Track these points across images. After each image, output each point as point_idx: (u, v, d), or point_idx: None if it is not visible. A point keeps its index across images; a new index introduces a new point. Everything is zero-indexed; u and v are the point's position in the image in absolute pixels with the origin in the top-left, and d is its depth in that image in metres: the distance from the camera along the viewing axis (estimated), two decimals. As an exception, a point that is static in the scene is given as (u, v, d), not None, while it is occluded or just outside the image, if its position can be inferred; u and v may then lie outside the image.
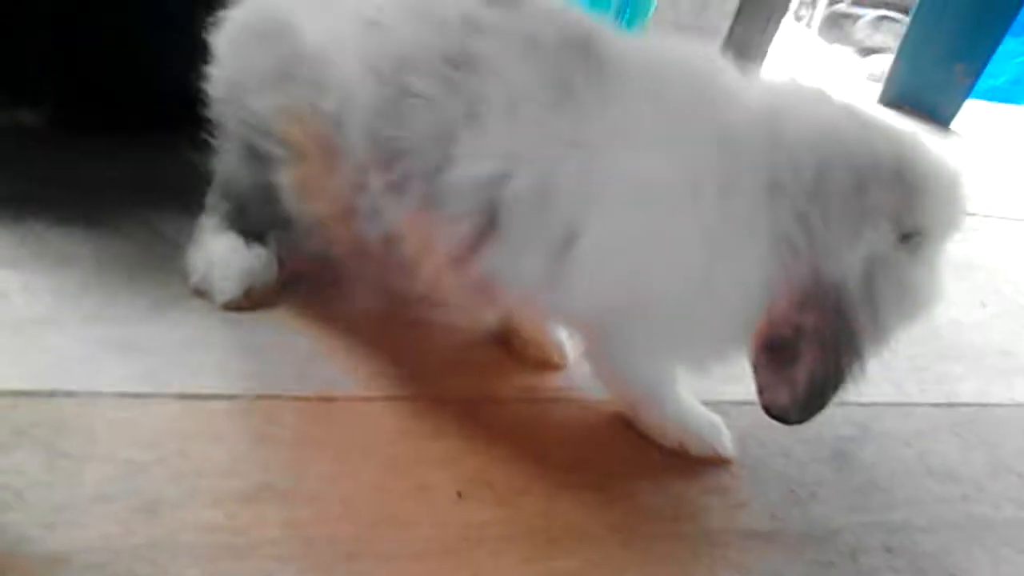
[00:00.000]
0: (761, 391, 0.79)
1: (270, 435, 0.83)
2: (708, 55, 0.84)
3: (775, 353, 0.77)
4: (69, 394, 0.81)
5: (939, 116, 2.13)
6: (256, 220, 0.96)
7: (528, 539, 0.79)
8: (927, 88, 2.13)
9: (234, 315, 0.96)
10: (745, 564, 0.83)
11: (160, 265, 0.99)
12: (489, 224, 0.80)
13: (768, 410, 0.79)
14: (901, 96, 2.15)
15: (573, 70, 0.80)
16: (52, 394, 0.81)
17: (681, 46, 0.84)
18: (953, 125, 2.13)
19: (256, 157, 0.90)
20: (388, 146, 0.81)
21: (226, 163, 0.93)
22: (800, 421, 0.79)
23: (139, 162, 1.16)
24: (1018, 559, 0.92)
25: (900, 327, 0.80)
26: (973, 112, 2.23)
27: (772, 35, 2.04)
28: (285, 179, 0.89)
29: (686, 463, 0.93)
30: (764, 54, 2.06)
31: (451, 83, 0.80)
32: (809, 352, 0.75)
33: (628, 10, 1.94)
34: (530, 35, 0.81)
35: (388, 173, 0.82)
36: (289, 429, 0.84)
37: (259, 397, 0.86)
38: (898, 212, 0.77)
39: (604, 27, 0.85)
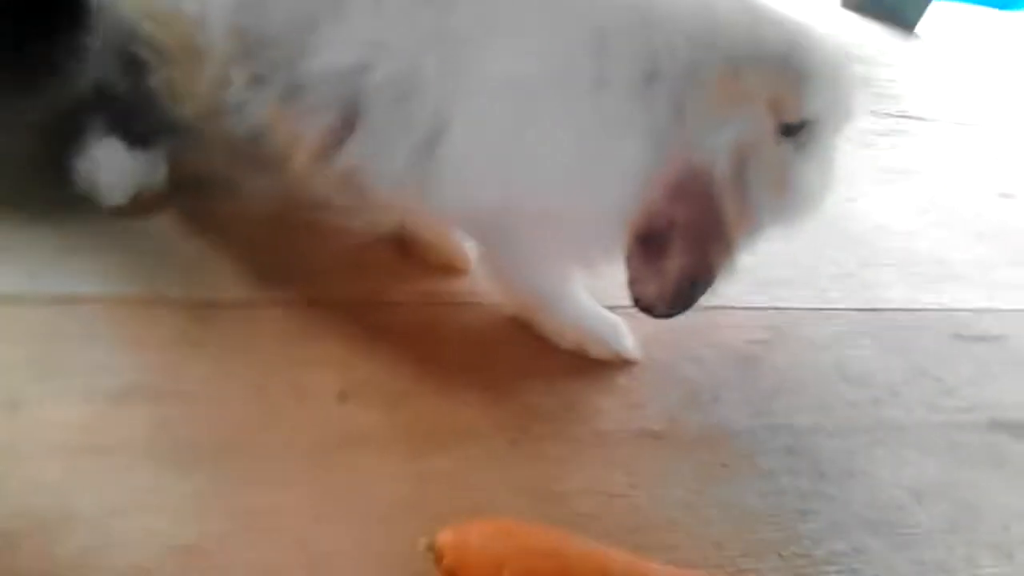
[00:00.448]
0: (631, 283, 0.77)
1: (147, 337, 0.81)
2: None
3: (646, 245, 0.75)
4: (-64, 295, 0.79)
5: (904, 19, 2.09)
6: (139, 125, 0.92)
7: (411, 440, 0.77)
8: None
9: (121, 221, 0.93)
10: (633, 463, 0.81)
11: (50, 169, 0.96)
12: (351, 117, 0.77)
13: (637, 302, 0.77)
14: (864, 1, 2.10)
15: None
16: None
17: None
18: (918, 29, 2.09)
19: (129, 62, 0.87)
20: (249, 37, 0.78)
21: (101, 69, 0.90)
22: (668, 315, 0.77)
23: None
24: (922, 461, 0.91)
25: (777, 223, 0.78)
26: (941, 15, 2.18)
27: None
28: (156, 82, 0.86)
29: (585, 365, 0.91)
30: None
31: None
32: (679, 245, 0.73)
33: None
34: None
35: (250, 65, 0.79)
36: (168, 331, 0.82)
37: (139, 301, 0.84)
38: (778, 100, 0.74)
39: None
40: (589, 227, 0.79)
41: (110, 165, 0.93)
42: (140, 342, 0.80)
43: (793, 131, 0.77)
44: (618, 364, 0.92)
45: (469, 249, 0.99)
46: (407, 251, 0.98)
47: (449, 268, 0.98)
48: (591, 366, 0.91)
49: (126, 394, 0.74)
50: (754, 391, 0.95)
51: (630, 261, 0.77)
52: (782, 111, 0.76)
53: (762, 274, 1.14)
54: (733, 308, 1.06)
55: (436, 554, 0.62)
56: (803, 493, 0.84)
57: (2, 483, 0.65)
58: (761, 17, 0.77)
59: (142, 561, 0.61)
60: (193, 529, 0.65)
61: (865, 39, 2.01)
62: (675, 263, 0.74)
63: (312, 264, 0.94)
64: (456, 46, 0.75)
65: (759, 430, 0.90)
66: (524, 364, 0.89)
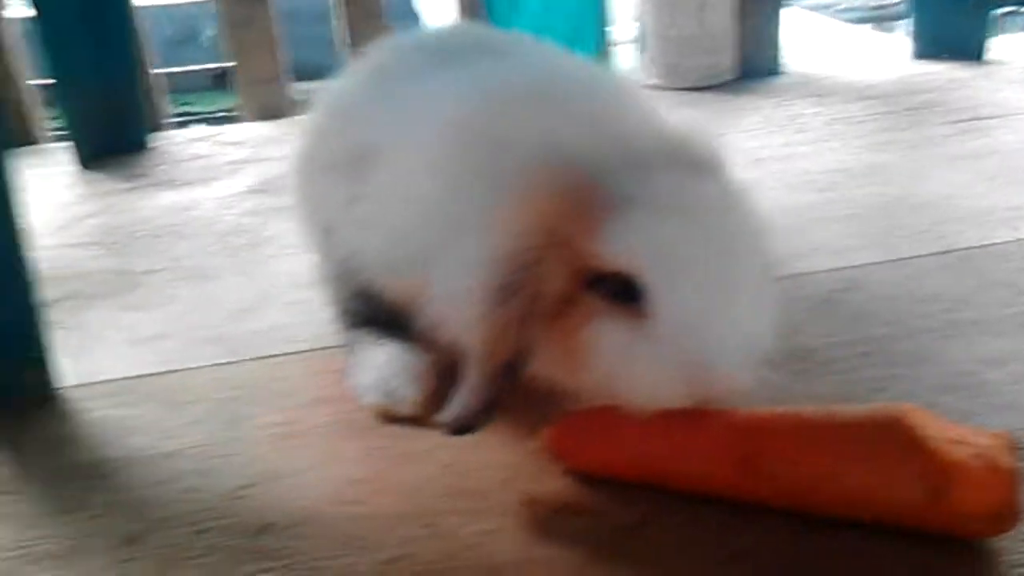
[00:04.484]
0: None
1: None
2: None
3: None
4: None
5: (970, 53, 2.21)
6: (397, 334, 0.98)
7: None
8: (950, 31, 2.22)
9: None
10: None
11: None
12: None
13: None
14: (929, 46, 2.24)
15: None
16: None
17: None
18: (986, 57, 2.21)
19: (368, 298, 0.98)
20: None
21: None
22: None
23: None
24: (993, 341, 1.02)
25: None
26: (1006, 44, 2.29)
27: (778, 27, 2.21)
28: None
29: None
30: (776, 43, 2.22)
31: None
32: None
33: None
34: None
35: None
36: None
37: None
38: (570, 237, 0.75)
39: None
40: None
41: (395, 369, 0.96)
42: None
43: (599, 284, 0.73)
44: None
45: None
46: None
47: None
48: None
49: None
50: (830, 320, 1.09)
51: None
52: (575, 254, 0.72)
53: (836, 244, 1.28)
54: (810, 273, 1.20)
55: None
56: (876, 378, 0.97)
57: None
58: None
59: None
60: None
61: (937, 72, 2.16)
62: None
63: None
64: None
65: (834, 346, 1.03)
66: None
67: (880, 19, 6.46)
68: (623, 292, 0.71)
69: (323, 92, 1.06)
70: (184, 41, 7.99)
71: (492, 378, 0.73)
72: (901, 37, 2.64)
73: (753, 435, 0.76)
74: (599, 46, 1.94)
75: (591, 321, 0.72)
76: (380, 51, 1.04)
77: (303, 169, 1.04)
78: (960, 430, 0.74)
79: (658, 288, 0.70)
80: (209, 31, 7.81)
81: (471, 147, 0.81)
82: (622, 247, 0.70)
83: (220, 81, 5.33)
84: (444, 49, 0.97)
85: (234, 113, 2.25)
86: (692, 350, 0.70)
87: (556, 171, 0.73)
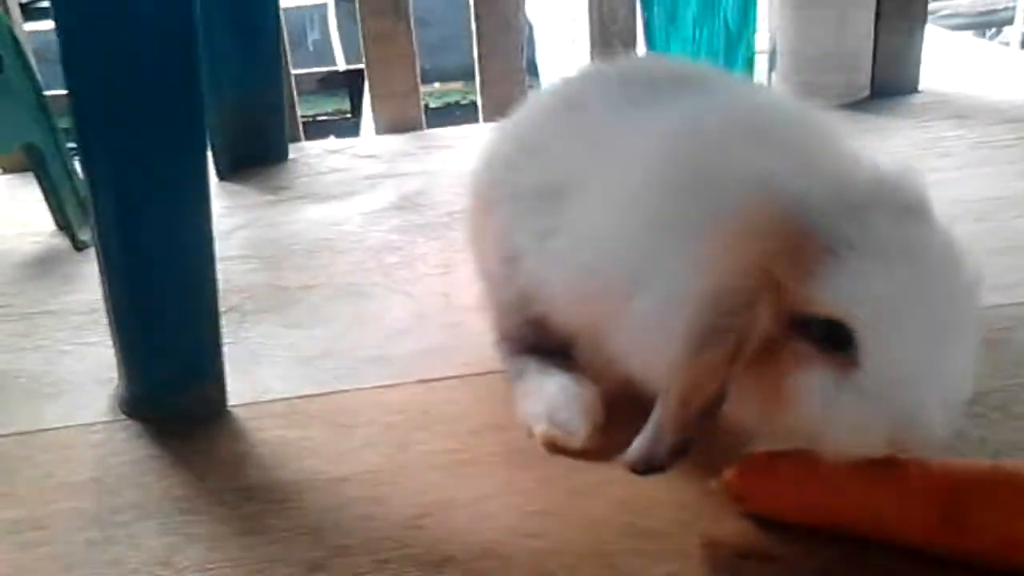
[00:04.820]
0: None
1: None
2: None
3: None
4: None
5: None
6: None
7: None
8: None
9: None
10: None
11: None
12: None
13: None
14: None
15: None
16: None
17: None
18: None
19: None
20: None
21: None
22: None
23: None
24: None
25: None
26: None
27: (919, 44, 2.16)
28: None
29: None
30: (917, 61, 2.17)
31: None
32: None
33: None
34: None
35: None
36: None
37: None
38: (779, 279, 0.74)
39: None
40: None
41: (566, 397, 0.97)
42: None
43: (808, 328, 0.71)
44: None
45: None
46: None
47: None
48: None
49: None
50: (1000, 361, 1.06)
51: None
52: (786, 296, 0.71)
53: (999, 279, 1.25)
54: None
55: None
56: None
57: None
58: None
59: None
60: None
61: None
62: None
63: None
64: None
65: (1008, 388, 1.01)
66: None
67: (986, 25, 6.31)
68: (833, 338, 0.70)
69: (508, 121, 1.07)
70: (290, 45, 8.19)
71: (688, 420, 0.73)
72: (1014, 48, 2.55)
73: (955, 487, 0.75)
74: (749, 62, 1.91)
75: (797, 366, 0.71)
76: (572, 81, 1.05)
77: (486, 197, 1.05)
78: None
79: (871, 339, 0.68)
80: (316, 34, 8.00)
81: (678, 183, 0.80)
82: (837, 292, 0.68)
83: (324, 85, 5.46)
84: (639, 81, 0.97)
85: (335, 118, 2.26)
86: (899, 404, 0.69)
87: (770, 210, 0.72)
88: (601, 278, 0.85)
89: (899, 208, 0.72)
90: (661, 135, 0.86)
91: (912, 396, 0.69)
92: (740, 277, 0.71)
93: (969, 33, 6.05)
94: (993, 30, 6.38)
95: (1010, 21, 6.07)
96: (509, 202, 1.00)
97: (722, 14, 1.84)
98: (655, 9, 1.85)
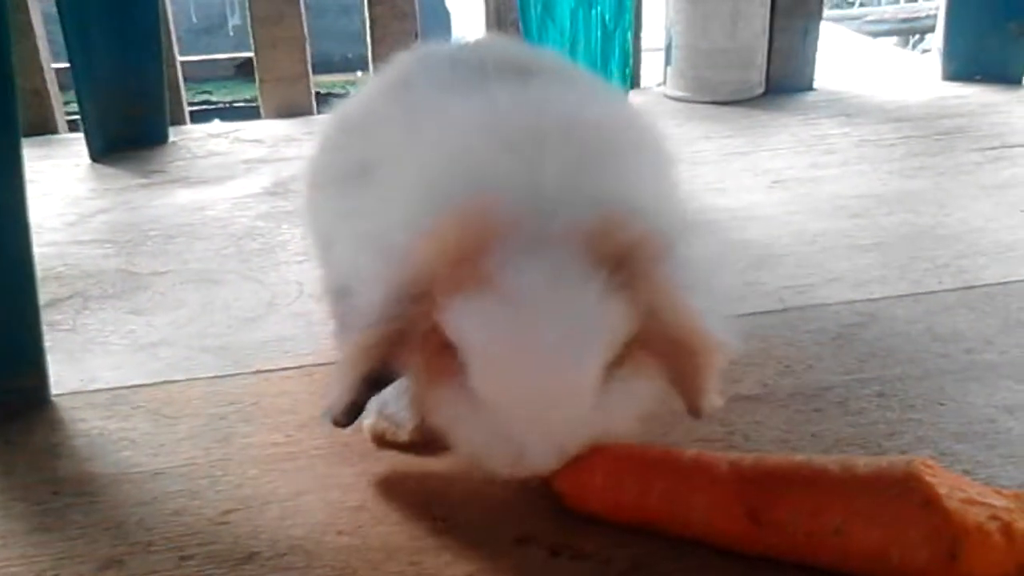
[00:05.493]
0: None
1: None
2: None
3: None
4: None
5: (1008, 76, 2.17)
6: None
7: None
8: (985, 53, 2.17)
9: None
10: (729, 420, 0.94)
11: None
12: None
13: None
14: (963, 68, 2.20)
15: None
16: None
17: None
18: None
19: None
20: None
21: None
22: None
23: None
24: (1016, 387, 0.99)
25: None
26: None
27: (814, 43, 2.17)
28: None
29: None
30: (811, 59, 2.18)
31: None
32: None
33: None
34: None
35: None
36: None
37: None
38: None
39: None
40: None
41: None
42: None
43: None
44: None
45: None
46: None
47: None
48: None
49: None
50: (846, 357, 1.05)
51: None
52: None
53: (857, 275, 1.25)
54: (826, 305, 1.17)
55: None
56: (891, 421, 0.94)
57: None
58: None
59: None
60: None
61: (969, 95, 2.12)
62: None
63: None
64: None
65: (850, 384, 1.00)
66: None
67: (909, 32, 6.43)
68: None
69: (339, 102, 1.03)
70: (209, 29, 8.05)
71: (353, 385, 0.76)
72: (932, 55, 2.59)
73: (762, 483, 0.73)
74: (625, 56, 1.90)
75: (443, 374, 0.73)
76: (402, 63, 1.01)
77: (309, 179, 1.02)
78: (977, 488, 0.71)
79: (480, 371, 0.71)
80: (236, 19, 7.86)
81: (434, 173, 0.78)
82: (458, 320, 0.70)
83: (242, 71, 5.35)
84: (468, 65, 0.93)
85: (253, 104, 2.22)
86: (505, 433, 0.72)
87: (470, 220, 0.70)
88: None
89: (584, 251, 0.70)
90: (450, 121, 0.83)
91: (516, 428, 0.71)
92: (418, 272, 0.72)
93: (893, 39, 6.18)
94: (917, 36, 6.51)
95: (932, 29, 6.19)
96: (327, 183, 0.96)
97: (598, 7, 1.82)
98: (531, 0, 1.83)
